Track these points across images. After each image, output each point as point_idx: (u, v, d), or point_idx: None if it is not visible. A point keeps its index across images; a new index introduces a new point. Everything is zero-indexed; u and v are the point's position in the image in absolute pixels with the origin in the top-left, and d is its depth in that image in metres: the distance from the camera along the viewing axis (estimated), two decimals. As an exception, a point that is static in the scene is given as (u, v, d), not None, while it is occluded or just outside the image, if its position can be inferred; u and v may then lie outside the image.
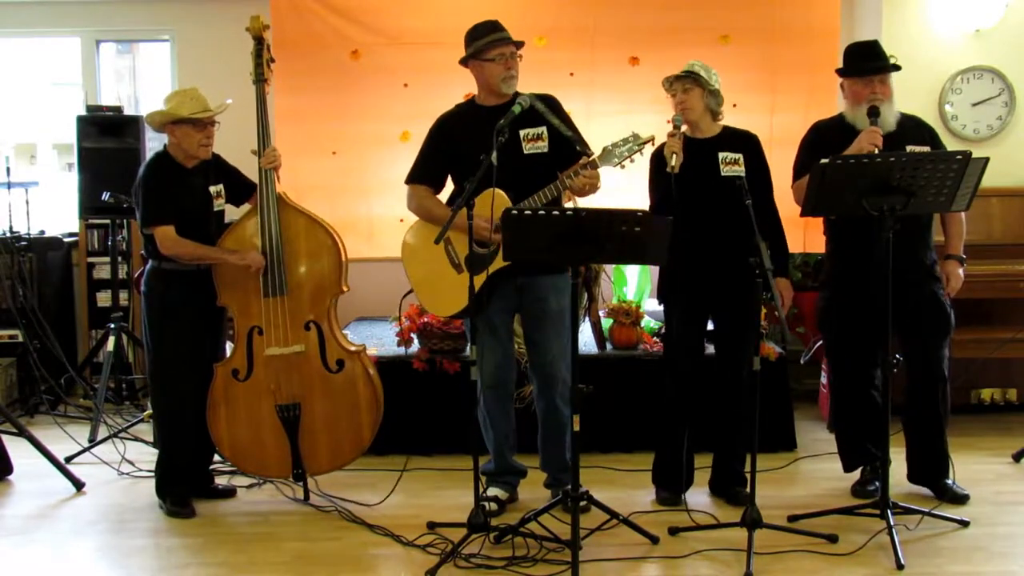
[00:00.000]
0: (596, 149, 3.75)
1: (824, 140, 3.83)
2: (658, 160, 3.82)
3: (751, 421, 3.51)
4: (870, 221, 3.50)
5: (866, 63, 3.82)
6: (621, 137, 3.68)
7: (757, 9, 5.17)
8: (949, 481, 3.95)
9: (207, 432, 3.96)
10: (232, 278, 3.90)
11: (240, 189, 4.10)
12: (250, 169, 4.04)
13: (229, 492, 4.18)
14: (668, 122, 3.79)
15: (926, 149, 3.75)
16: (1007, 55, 5.47)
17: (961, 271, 3.96)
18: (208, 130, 3.87)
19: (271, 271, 3.88)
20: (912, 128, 3.89)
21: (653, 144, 3.75)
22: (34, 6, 6.14)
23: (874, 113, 3.72)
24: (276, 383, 3.93)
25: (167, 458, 3.99)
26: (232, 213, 4.12)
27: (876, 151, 3.61)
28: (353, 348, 4.04)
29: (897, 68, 3.82)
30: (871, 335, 3.72)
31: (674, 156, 3.66)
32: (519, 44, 3.79)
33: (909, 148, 3.73)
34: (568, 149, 3.76)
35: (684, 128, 3.80)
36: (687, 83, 3.77)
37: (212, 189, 3.96)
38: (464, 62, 3.81)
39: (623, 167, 3.70)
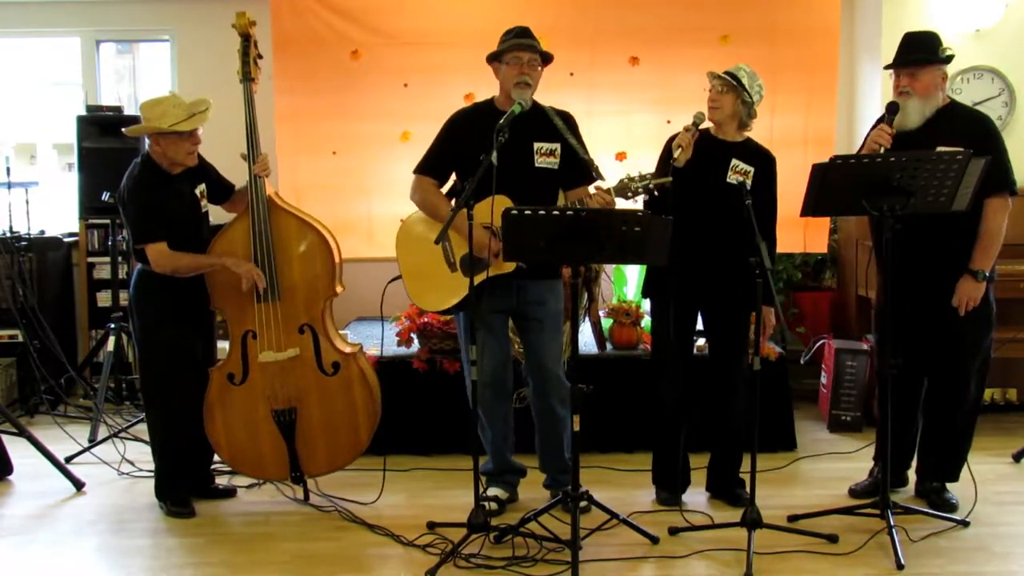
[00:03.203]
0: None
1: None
2: (669, 148, 3.80)
3: (751, 421, 3.51)
4: (909, 224, 3.46)
5: (898, 55, 3.77)
6: (639, 173, 3.65)
7: (757, 9, 5.16)
8: (948, 494, 3.92)
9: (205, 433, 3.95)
10: (224, 282, 3.87)
11: (219, 189, 4.05)
12: (237, 171, 3.99)
13: (229, 492, 4.18)
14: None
15: (960, 151, 3.52)
16: (1007, 55, 5.47)
17: (971, 287, 3.72)
18: (195, 135, 3.80)
19: (264, 277, 3.84)
20: (959, 125, 3.73)
21: (668, 185, 3.71)
22: (34, 6, 6.14)
23: (890, 110, 3.68)
24: (271, 388, 3.91)
25: (163, 463, 3.99)
26: (215, 213, 4.09)
27: (881, 149, 3.59)
28: (348, 349, 4.02)
29: (923, 61, 3.69)
30: (910, 337, 3.70)
31: (679, 150, 3.66)
32: (545, 56, 3.79)
33: (940, 149, 3.57)
34: (577, 170, 3.76)
35: (707, 126, 3.78)
36: (725, 85, 3.75)
37: (196, 190, 3.92)
38: (488, 60, 3.83)
39: (635, 201, 3.69)
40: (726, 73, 3.76)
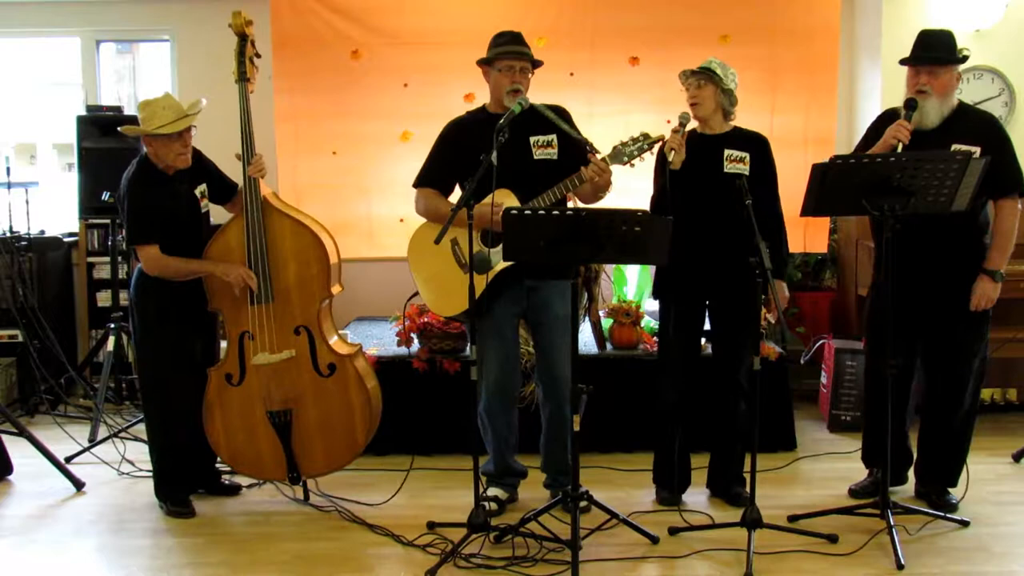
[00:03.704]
0: (603, 150, 3.76)
1: (878, 127, 3.80)
2: (664, 153, 3.81)
3: (752, 421, 3.51)
4: (908, 224, 3.46)
5: (916, 52, 3.75)
6: (631, 136, 3.69)
7: (757, 9, 5.17)
8: (950, 497, 3.92)
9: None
10: (221, 284, 3.86)
11: (221, 189, 4.05)
12: (238, 170, 3.97)
13: (234, 489, 4.19)
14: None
15: (975, 150, 3.56)
16: (1007, 55, 5.48)
17: (990, 287, 3.71)
18: (184, 138, 3.78)
19: (257, 279, 3.83)
20: (972, 125, 3.73)
21: (663, 142, 3.75)
22: (34, 6, 6.14)
23: (910, 106, 3.67)
24: (267, 389, 3.90)
25: (162, 463, 3.98)
26: (216, 213, 4.09)
27: (899, 144, 3.58)
28: (345, 351, 4.00)
29: (944, 60, 3.67)
30: (904, 337, 3.70)
31: (673, 152, 3.66)
32: (535, 63, 3.81)
33: (955, 147, 3.59)
34: (577, 156, 3.76)
35: (693, 126, 3.79)
36: (702, 79, 3.77)
37: (197, 190, 3.91)
38: (479, 64, 3.84)
39: (632, 165, 3.71)
40: (700, 68, 3.77)
